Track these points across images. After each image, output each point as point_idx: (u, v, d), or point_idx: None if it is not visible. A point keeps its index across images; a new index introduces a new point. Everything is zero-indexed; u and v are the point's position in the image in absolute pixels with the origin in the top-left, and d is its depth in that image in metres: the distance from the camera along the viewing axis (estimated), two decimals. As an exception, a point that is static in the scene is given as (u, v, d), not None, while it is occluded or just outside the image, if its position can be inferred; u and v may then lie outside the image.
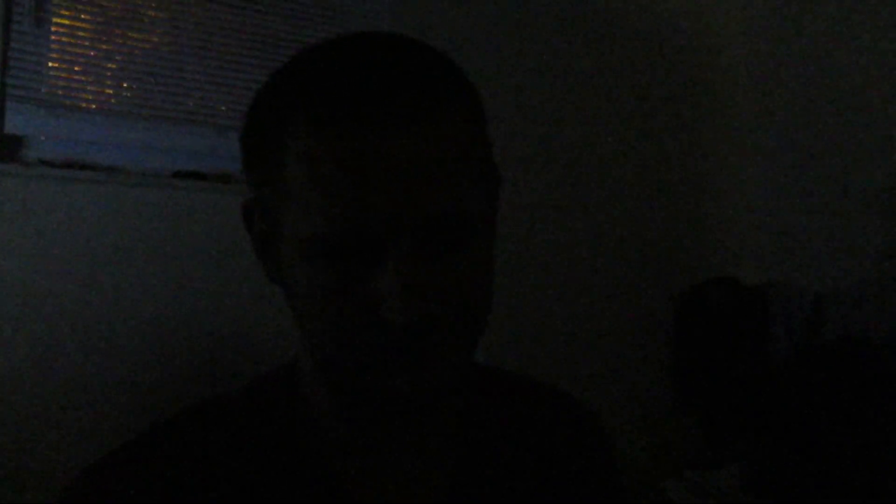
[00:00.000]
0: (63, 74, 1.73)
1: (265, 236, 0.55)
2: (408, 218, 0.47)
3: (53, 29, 1.71)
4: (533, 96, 2.20)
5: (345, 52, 0.51)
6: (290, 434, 0.56)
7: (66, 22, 1.73)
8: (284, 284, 0.54)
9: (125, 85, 1.79)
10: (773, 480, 1.72)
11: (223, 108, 1.86)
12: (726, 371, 2.12)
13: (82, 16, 1.74)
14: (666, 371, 2.30)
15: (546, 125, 2.23)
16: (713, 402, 2.14)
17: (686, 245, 2.42)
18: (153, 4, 1.81)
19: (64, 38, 1.72)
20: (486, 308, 0.53)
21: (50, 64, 1.71)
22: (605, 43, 2.32)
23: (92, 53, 1.75)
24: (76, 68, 1.74)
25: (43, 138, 1.70)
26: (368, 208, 0.47)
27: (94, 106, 1.75)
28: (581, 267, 2.24)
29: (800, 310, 2.11)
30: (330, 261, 0.48)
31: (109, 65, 1.78)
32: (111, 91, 1.78)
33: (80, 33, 1.74)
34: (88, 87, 1.75)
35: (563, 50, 2.26)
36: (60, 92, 1.72)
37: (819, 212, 2.23)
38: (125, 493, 0.51)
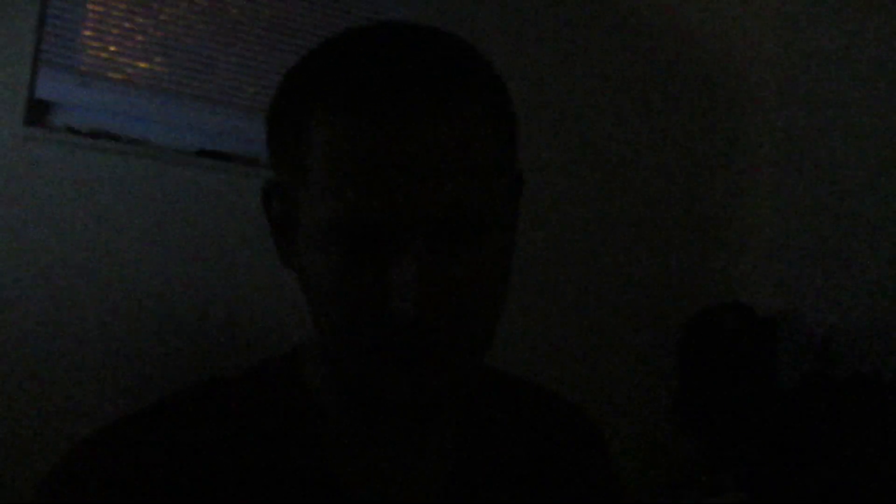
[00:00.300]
0: (97, 44, 1.74)
1: (283, 220, 0.55)
2: (425, 209, 0.46)
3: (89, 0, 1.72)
4: (552, 111, 2.19)
5: (373, 40, 0.51)
6: (289, 419, 0.56)
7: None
8: (299, 270, 0.54)
9: (158, 60, 1.80)
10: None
11: (251, 90, 1.87)
12: (731, 397, 2.11)
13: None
14: (670, 392, 2.28)
15: (563, 141, 2.22)
16: (715, 427, 2.13)
17: (699, 268, 2.41)
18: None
19: (100, 9, 1.74)
20: (497, 311, 0.52)
21: (85, 33, 1.72)
22: (623, 62, 2.31)
23: (127, 26, 1.77)
24: (110, 39, 1.76)
25: (71, 106, 1.71)
26: (386, 197, 0.46)
27: (124, 78, 1.76)
28: (592, 284, 2.23)
29: (810, 342, 2.09)
30: (345, 249, 0.48)
31: (142, 38, 1.79)
32: (144, 65, 1.79)
33: (119, 4, 1.76)
34: (120, 59, 1.77)
35: (578, 72, 2.25)
36: (92, 61, 1.74)
37: (836, 245, 2.21)
38: (119, 466, 0.50)
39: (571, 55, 2.22)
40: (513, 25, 2.13)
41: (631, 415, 2.21)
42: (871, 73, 2.18)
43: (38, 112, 1.67)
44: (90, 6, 1.72)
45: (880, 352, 1.92)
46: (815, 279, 2.26)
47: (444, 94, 0.47)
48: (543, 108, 2.17)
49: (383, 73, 0.47)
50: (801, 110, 2.38)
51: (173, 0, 1.81)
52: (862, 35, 2.22)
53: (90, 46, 1.74)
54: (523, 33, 2.15)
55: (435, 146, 0.47)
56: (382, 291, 0.47)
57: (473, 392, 0.64)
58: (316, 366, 0.57)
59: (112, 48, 1.76)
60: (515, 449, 0.63)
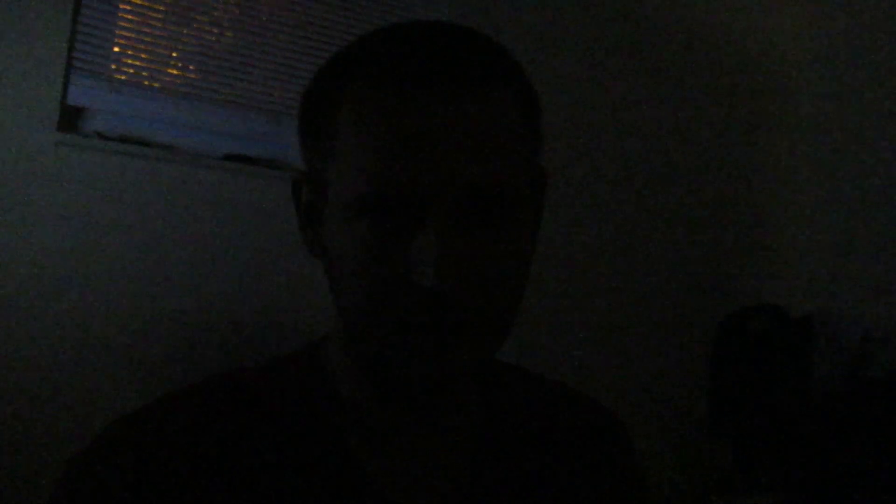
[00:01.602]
0: (129, 52, 1.77)
1: (311, 206, 0.56)
2: (450, 184, 0.48)
3: (122, 6, 1.75)
4: (583, 112, 2.18)
5: (406, 31, 0.53)
6: (311, 409, 0.56)
7: (137, 1, 1.77)
8: (324, 253, 0.55)
9: (189, 67, 1.82)
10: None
11: (277, 93, 1.88)
12: (764, 399, 2.07)
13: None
14: (702, 394, 2.25)
15: (595, 141, 2.20)
16: (748, 430, 2.09)
17: (733, 268, 2.37)
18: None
19: (131, 17, 1.76)
20: (517, 296, 0.53)
21: (116, 41, 1.75)
22: (658, 62, 2.28)
23: (158, 34, 1.79)
24: (141, 47, 1.78)
25: (102, 112, 1.74)
26: (410, 170, 0.47)
27: (155, 84, 1.79)
28: (623, 286, 2.21)
29: (846, 343, 2.04)
30: (370, 222, 0.49)
31: (172, 46, 1.81)
32: (174, 72, 1.82)
33: (149, 13, 1.78)
34: (151, 66, 1.79)
35: (615, 68, 2.23)
36: (123, 68, 1.76)
37: (872, 243, 2.16)
38: (143, 452, 0.51)
39: (605, 56, 2.20)
40: (537, 25, 2.12)
41: (663, 418, 2.18)
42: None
43: (70, 118, 1.70)
44: (122, 14, 1.75)
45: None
46: (851, 278, 2.21)
47: (473, 76, 0.49)
48: (581, 106, 2.16)
49: (414, 55, 0.49)
50: (837, 109, 2.34)
51: (205, 8, 1.83)
52: (897, 29, 2.17)
53: (121, 54, 1.76)
54: (551, 35, 2.13)
55: (460, 122, 0.48)
56: (404, 264, 0.48)
57: (495, 385, 0.64)
58: (338, 356, 0.58)
59: (143, 55, 1.79)
60: (536, 442, 0.63)
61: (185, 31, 1.81)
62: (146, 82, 1.78)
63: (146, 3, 1.78)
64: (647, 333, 2.22)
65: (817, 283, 2.32)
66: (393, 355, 0.51)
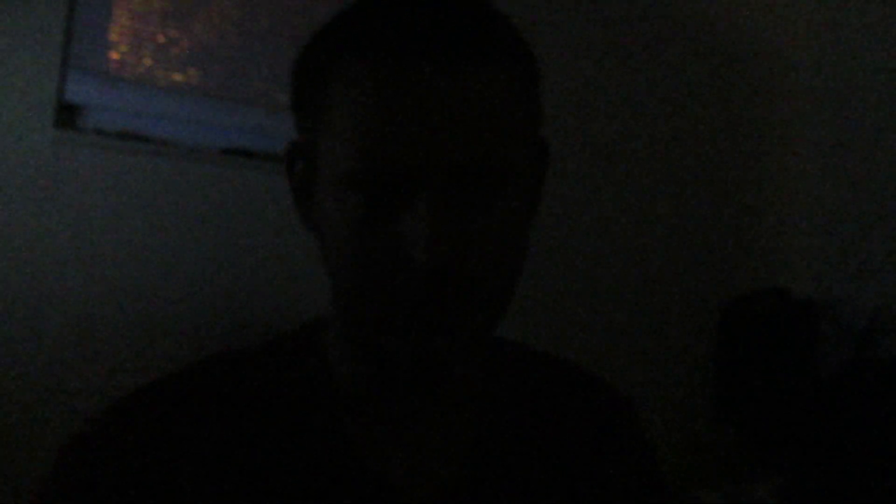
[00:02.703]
0: (125, 48, 1.76)
1: (304, 179, 0.55)
2: (443, 159, 0.46)
3: (116, 3, 1.74)
4: (588, 95, 2.17)
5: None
6: (308, 391, 0.55)
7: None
8: (317, 228, 0.54)
9: (189, 63, 1.81)
10: (815, 497, 1.66)
11: (273, 86, 1.88)
12: (770, 383, 2.06)
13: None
14: (708, 379, 2.24)
15: (598, 125, 2.19)
16: (754, 414, 2.08)
17: (736, 252, 2.36)
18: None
19: (125, 12, 1.75)
20: (513, 273, 0.51)
21: (112, 36, 1.74)
22: (661, 47, 2.27)
23: (154, 29, 1.78)
24: (136, 42, 1.77)
25: (100, 108, 1.73)
26: (402, 144, 0.46)
27: (152, 80, 1.78)
28: (627, 269, 2.20)
29: (853, 325, 2.03)
30: (361, 198, 0.48)
31: (169, 42, 1.80)
32: (173, 67, 1.81)
33: (145, 8, 1.77)
34: (147, 62, 1.78)
35: (619, 53, 2.22)
36: (120, 64, 1.75)
37: (878, 226, 2.15)
38: (135, 438, 0.50)
39: (613, 41, 2.19)
40: (556, 16, 2.11)
41: (669, 402, 2.18)
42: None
43: (67, 115, 1.69)
44: (116, 10, 1.74)
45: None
46: (856, 260, 2.20)
47: (469, 47, 0.47)
48: (586, 91, 2.15)
49: (407, 25, 0.47)
50: (842, 92, 2.32)
51: (202, 2, 1.82)
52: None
53: (117, 49, 1.75)
54: (560, 22, 2.12)
55: (454, 95, 0.46)
56: (398, 241, 0.47)
57: (496, 365, 0.62)
58: (335, 336, 0.57)
59: (139, 51, 1.78)
60: (540, 422, 0.61)
61: (182, 26, 1.80)
62: (143, 78, 1.77)
63: (141, -1, 1.77)
64: (651, 319, 2.22)
65: (822, 266, 2.31)
66: (386, 334, 0.49)
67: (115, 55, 1.75)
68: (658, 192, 2.25)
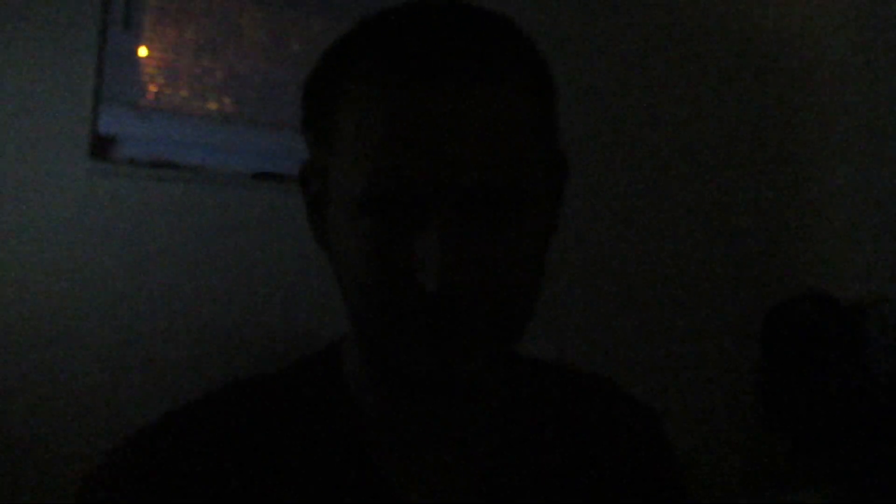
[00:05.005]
0: (161, 80, 1.80)
1: (317, 199, 0.55)
2: (454, 182, 0.45)
3: (146, 35, 1.78)
4: (627, 98, 2.15)
5: (410, 15, 0.50)
6: (329, 412, 0.55)
7: (159, 27, 1.79)
8: (331, 248, 0.54)
9: (221, 92, 1.84)
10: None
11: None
12: (818, 390, 2.00)
13: (174, 28, 1.81)
14: (755, 386, 2.18)
15: (641, 129, 2.17)
16: (802, 421, 2.02)
17: (781, 256, 2.30)
18: (253, 23, 1.86)
19: (159, 45, 1.79)
20: (528, 296, 0.50)
21: (147, 70, 1.78)
22: (703, 48, 2.24)
23: (186, 61, 1.82)
24: (173, 74, 1.81)
25: (133, 139, 1.77)
26: (412, 166, 0.45)
27: (184, 109, 1.82)
28: (671, 274, 2.17)
29: (902, 329, 1.96)
30: (373, 221, 0.47)
31: (198, 70, 1.83)
32: (204, 97, 1.84)
33: (175, 41, 1.81)
34: (179, 92, 1.82)
35: (659, 54, 2.19)
36: (151, 95, 1.79)
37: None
38: (162, 464, 0.51)
39: (654, 44, 2.16)
40: (582, 19, 2.09)
41: (716, 410, 2.13)
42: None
43: (102, 147, 1.73)
44: (150, 43, 1.77)
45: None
46: (903, 262, 2.13)
47: (477, 68, 0.46)
48: (626, 95, 2.13)
49: (416, 44, 0.46)
50: (885, 91, 2.26)
51: (230, 33, 1.85)
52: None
53: (155, 82, 1.79)
54: (596, 28, 2.11)
55: (465, 117, 0.45)
56: (409, 264, 0.46)
57: (515, 380, 0.61)
58: (353, 358, 0.57)
59: (175, 82, 1.81)
60: (559, 439, 0.60)
61: (216, 56, 1.83)
62: (179, 108, 1.80)
63: (167, 30, 1.80)
64: (697, 325, 2.17)
65: (869, 269, 2.24)
66: (399, 353, 0.49)
67: (152, 87, 1.79)
68: (703, 195, 2.22)
